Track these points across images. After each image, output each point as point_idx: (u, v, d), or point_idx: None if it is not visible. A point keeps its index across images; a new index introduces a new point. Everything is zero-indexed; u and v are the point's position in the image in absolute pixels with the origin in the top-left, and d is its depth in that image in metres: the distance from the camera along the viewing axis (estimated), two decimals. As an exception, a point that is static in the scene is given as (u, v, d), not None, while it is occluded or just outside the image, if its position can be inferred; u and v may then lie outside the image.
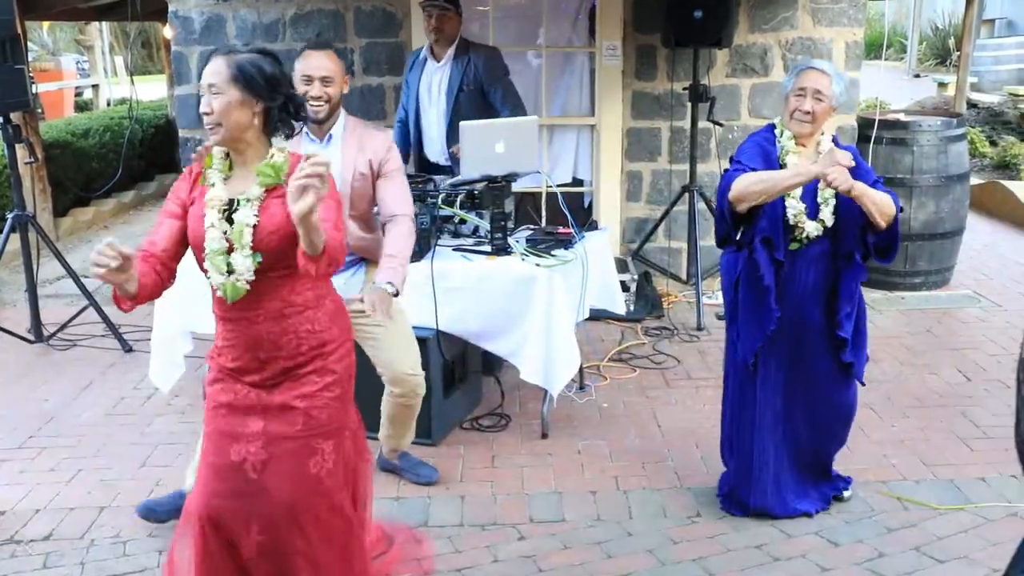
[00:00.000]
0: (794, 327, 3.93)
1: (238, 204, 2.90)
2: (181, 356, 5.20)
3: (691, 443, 4.79)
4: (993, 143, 12.37)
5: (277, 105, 2.94)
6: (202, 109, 2.92)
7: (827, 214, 3.84)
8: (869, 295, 7.12)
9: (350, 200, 4.06)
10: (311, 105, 3.93)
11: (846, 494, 4.19)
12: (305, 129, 4.08)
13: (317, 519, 2.99)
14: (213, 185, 2.96)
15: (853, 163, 3.65)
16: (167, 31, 8.06)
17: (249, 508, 2.95)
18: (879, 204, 3.65)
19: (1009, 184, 9.89)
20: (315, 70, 4.00)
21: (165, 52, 13.63)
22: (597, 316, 5.45)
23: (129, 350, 6.34)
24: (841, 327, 3.90)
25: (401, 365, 4.20)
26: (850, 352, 3.94)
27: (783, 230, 3.86)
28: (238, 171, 2.99)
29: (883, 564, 3.76)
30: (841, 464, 4.54)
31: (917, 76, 21.54)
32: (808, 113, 3.75)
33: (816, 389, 4.01)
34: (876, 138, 7.17)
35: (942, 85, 17.05)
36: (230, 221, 2.88)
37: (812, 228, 3.83)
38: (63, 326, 6.61)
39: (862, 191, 3.63)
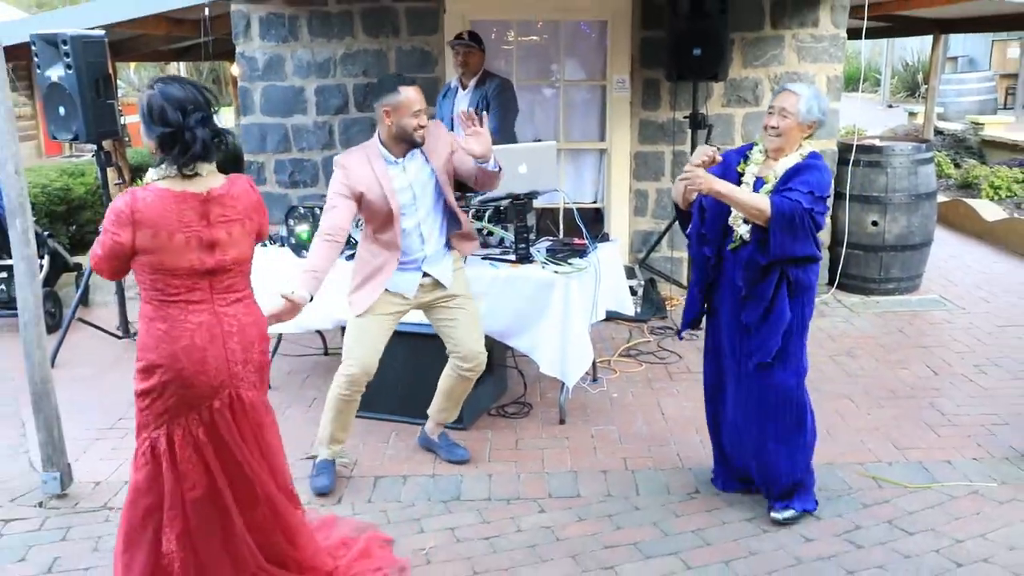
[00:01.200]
0: (734, 320, 3.87)
1: None
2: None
3: (691, 429, 4.77)
4: (957, 165, 12.42)
5: (161, 137, 2.85)
6: None
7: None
8: (848, 299, 7.16)
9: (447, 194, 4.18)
10: (420, 131, 4.02)
11: (778, 515, 3.86)
12: (380, 152, 4.10)
13: None
14: None
15: (717, 159, 3.72)
16: (234, 69, 8.10)
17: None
18: (743, 204, 3.63)
19: (971, 201, 9.87)
20: (421, 103, 4.05)
21: (233, 87, 13.69)
22: (608, 317, 5.43)
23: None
24: (745, 309, 3.78)
25: (475, 343, 4.30)
26: (754, 334, 3.77)
27: (721, 230, 3.85)
28: None
29: (859, 535, 3.75)
30: (823, 449, 4.51)
31: (890, 106, 21.54)
32: (775, 128, 3.70)
33: (743, 380, 3.90)
34: (854, 161, 7.15)
35: (912, 114, 17.05)
36: None
37: (744, 230, 3.77)
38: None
39: (727, 191, 3.64)
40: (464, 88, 5.84)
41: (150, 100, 2.86)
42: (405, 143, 4.06)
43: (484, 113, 5.50)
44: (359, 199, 4.03)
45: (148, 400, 2.93)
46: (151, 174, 2.93)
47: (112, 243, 2.81)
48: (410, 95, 4.00)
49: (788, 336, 3.74)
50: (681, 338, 4.11)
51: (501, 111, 5.82)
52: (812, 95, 3.71)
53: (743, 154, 3.92)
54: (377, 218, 4.08)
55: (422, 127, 4.01)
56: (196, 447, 2.95)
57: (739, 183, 3.80)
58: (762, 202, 3.58)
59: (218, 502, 3.00)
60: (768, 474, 3.87)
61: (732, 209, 3.78)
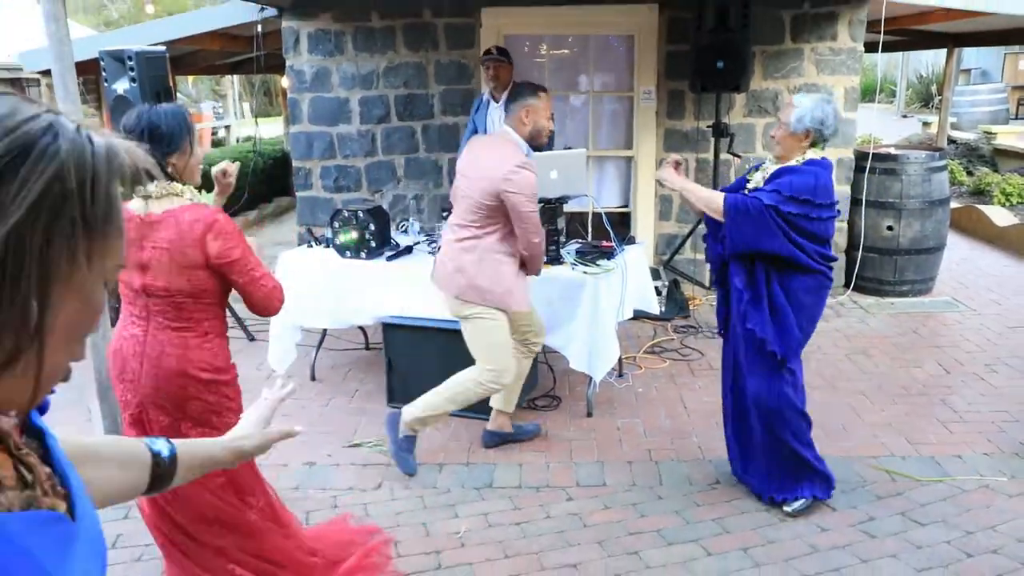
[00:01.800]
0: (732, 319, 3.86)
1: None
2: (293, 344, 5.28)
3: (712, 423, 4.73)
4: (970, 173, 12.26)
5: None
6: None
7: None
8: (863, 300, 7.08)
9: None
10: (549, 134, 4.20)
11: (787, 509, 3.84)
12: (528, 151, 4.18)
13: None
14: None
15: (680, 162, 3.90)
16: (284, 81, 8.14)
17: None
18: (696, 199, 3.73)
19: (983, 208, 9.74)
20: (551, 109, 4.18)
21: (282, 98, 13.78)
22: (634, 315, 5.42)
23: (252, 339, 6.42)
24: (748, 319, 3.72)
25: (540, 318, 4.41)
26: (756, 328, 3.71)
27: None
28: None
29: (873, 526, 3.71)
30: (838, 443, 4.49)
31: (905, 117, 21.29)
32: (773, 137, 3.71)
33: (740, 372, 3.87)
34: (870, 168, 7.07)
35: (926, 124, 16.84)
36: None
37: None
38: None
39: (681, 186, 3.77)
40: (496, 101, 5.83)
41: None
42: (532, 144, 4.11)
43: None
44: None
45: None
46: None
47: None
48: (547, 100, 4.09)
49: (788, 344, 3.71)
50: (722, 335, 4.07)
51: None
52: (810, 106, 3.62)
53: (758, 167, 3.89)
54: None
55: (551, 131, 4.15)
56: None
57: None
58: (713, 198, 3.62)
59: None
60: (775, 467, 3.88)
61: None
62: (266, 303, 2.88)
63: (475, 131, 5.96)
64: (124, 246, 0.93)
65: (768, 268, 3.65)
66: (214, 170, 3.17)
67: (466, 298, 4.04)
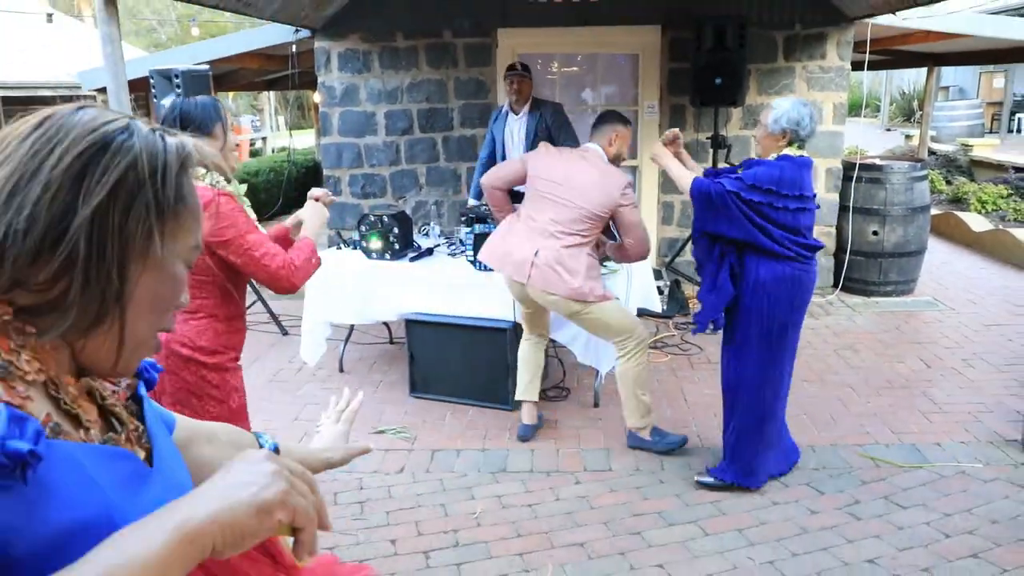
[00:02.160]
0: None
1: None
2: (323, 339, 5.28)
3: (711, 413, 4.71)
4: (948, 182, 12.26)
5: None
6: None
7: None
8: (850, 300, 7.04)
9: None
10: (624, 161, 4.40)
11: (704, 479, 3.90)
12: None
13: None
14: None
15: (671, 138, 3.88)
16: (316, 96, 8.16)
17: None
18: (673, 177, 3.75)
19: (961, 214, 9.68)
20: None
21: (314, 112, 13.83)
22: (638, 313, 5.39)
23: (285, 333, 6.42)
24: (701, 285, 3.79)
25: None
26: (699, 297, 3.78)
27: None
28: None
29: (858, 509, 3.69)
30: (827, 432, 4.47)
31: (888, 130, 21.23)
32: (755, 136, 3.72)
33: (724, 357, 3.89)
34: (857, 177, 7.03)
35: (908, 137, 16.80)
36: None
37: None
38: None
39: (665, 163, 3.80)
40: (516, 113, 5.80)
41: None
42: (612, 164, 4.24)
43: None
44: None
45: None
46: None
47: None
48: (629, 132, 4.34)
49: (747, 328, 3.68)
50: (704, 331, 4.07)
51: (567, 129, 5.78)
52: (787, 108, 3.58)
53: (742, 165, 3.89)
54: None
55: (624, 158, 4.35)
56: None
57: None
58: (684, 178, 3.64)
59: None
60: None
61: None
62: (272, 282, 2.75)
63: (493, 140, 5.93)
64: (199, 229, 0.99)
65: (725, 250, 3.64)
66: (314, 192, 3.08)
67: (580, 298, 4.02)
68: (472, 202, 5.89)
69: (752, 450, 3.81)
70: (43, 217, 0.86)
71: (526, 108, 5.72)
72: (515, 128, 5.79)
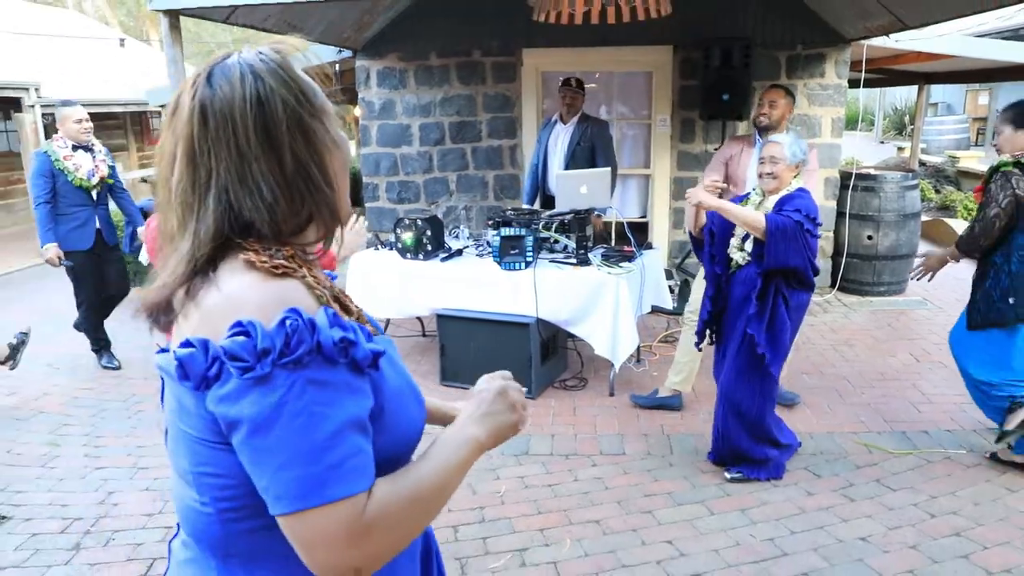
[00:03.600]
0: (729, 326, 3.76)
1: None
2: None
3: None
4: (937, 191, 12.16)
5: None
6: None
7: (748, 246, 3.63)
8: (846, 299, 6.97)
9: None
10: (759, 119, 4.47)
11: (727, 475, 3.81)
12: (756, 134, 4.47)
13: None
14: None
15: (710, 188, 3.71)
16: (356, 110, 8.17)
17: None
18: (741, 218, 3.49)
19: (949, 220, 9.61)
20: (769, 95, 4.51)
21: (354, 124, 13.87)
22: (651, 310, 5.36)
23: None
24: (750, 324, 3.58)
25: None
26: (763, 348, 3.56)
27: (725, 253, 3.75)
28: None
29: (852, 491, 3.66)
30: (824, 420, 4.43)
31: (882, 143, 21.03)
32: (770, 173, 3.57)
33: (729, 376, 3.76)
34: (853, 186, 6.96)
35: (900, 149, 16.63)
36: None
37: (739, 256, 3.66)
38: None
39: (727, 208, 3.53)
40: (565, 123, 5.76)
41: None
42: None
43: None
44: None
45: None
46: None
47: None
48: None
49: (775, 356, 3.61)
50: (699, 349, 4.04)
51: (608, 148, 5.73)
52: (791, 141, 3.59)
53: (742, 198, 3.80)
54: None
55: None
56: None
57: None
58: (756, 218, 3.45)
59: None
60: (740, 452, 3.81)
61: (732, 237, 3.69)
62: None
63: (540, 145, 5.91)
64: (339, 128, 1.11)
65: (779, 284, 3.54)
66: None
67: None
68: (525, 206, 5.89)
69: (776, 450, 3.82)
70: (275, 182, 1.01)
71: (575, 120, 5.68)
72: (561, 136, 5.76)
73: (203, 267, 1.00)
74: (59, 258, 5.13)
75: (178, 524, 1.15)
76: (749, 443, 3.75)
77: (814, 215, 3.46)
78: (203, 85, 1.02)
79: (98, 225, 5.27)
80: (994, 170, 3.74)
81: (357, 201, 12.15)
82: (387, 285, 5.15)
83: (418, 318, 6.08)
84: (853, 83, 6.97)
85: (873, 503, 3.54)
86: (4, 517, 3.53)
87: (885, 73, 9.89)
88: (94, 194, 5.23)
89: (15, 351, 4.86)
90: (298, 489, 0.91)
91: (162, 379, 1.07)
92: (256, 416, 0.91)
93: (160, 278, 1.03)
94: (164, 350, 1.04)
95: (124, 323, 5.65)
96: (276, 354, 0.91)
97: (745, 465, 3.80)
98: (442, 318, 4.99)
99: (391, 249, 5.38)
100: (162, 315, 1.05)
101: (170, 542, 1.21)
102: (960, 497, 3.58)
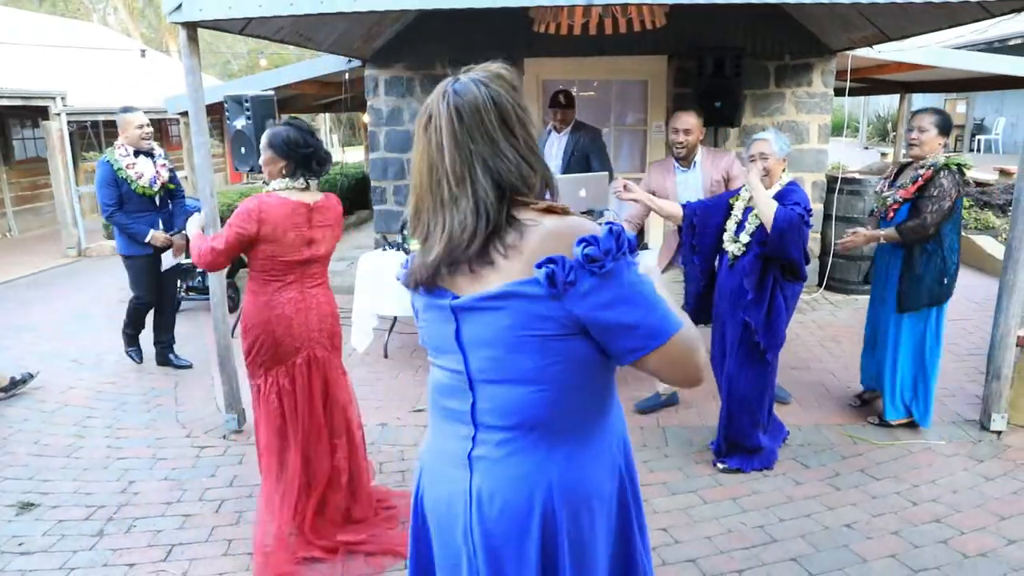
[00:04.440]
0: (721, 316, 3.75)
1: None
2: (371, 328, 5.28)
3: (710, 396, 4.65)
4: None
5: (295, 159, 2.92)
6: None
7: (743, 237, 3.59)
8: (833, 297, 6.95)
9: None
10: (676, 148, 4.35)
11: (719, 466, 3.78)
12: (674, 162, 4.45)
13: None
14: None
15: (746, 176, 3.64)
16: (365, 117, 8.17)
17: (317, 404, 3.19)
18: (760, 199, 3.45)
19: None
20: (680, 123, 4.32)
21: (363, 131, 13.89)
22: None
23: (338, 323, 6.43)
24: (747, 312, 3.56)
25: None
26: (760, 336, 3.57)
27: (711, 246, 3.75)
28: None
29: (838, 480, 3.65)
30: (812, 413, 4.41)
31: (866, 148, 20.99)
32: (763, 169, 3.56)
33: (732, 367, 3.72)
34: (839, 189, 6.94)
35: (884, 154, 16.62)
36: None
37: (733, 248, 3.63)
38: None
39: (755, 189, 3.49)
40: (559, 132, 5.74)
41: (288, 132, 2.93)
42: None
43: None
44: None
45: (251, 355, 3.04)
46: (277, 184, 2.96)
47: (237, 235, 2.86)
48: (676, 118, 4.46)
49: (772, 346, 3.61)
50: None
51: (602, 153, 5.72)
52: (776, 136, 3.59)
53: (734, 194, 3.79)
54: None
55: (677, 143, 4.42)
56: (279, 393, 3.04)
57: (729, 215, 3.69)
58: (772, 205, 3.42)
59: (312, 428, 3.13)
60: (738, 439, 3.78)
61: (721, 231, 3.69)
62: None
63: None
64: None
65: (776, 274, 3.53)
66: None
67: None
68: None
69: (767, 438, 3.81)
70: (516, 150, 1.35)
71: (568, 129, 5.68)
72: (555, 145, 5.76)
73: (496, 219, 1.31)
74: (167, 238, 5.17)
75: (473, 436, 1.40)
76: (749, 429, 3.73)
77: (808, 207, 3.46)
78: (452, 96, 1.39)
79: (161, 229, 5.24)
80: (939, 169, 3.84)
81: (365, 204, 12.15)
82: (394, 284, 5.13)
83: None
84: (839, 91, 6.95)
85: (858, 492, 3.53)
86: (32, 504, 3.54)
87: (869, 82, 9.89)
88: (156, 199, 5.20)
89: (14, 385, 4.86)
90: (661, 326, 1.28)
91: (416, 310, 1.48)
92: (619, 292, 1.25)
93: (437, 240, 1.33)
94: (443, 294, 1.36)
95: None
96: (614, 251, 1.24)
97: (737, 455, 3.79)
98: (447, 315, 4.97)
99: (397, 249, 5.38)
100: (444, 267, 1.33)
101: (469, 455, 1.41)
102: (940, 486, 3.57)
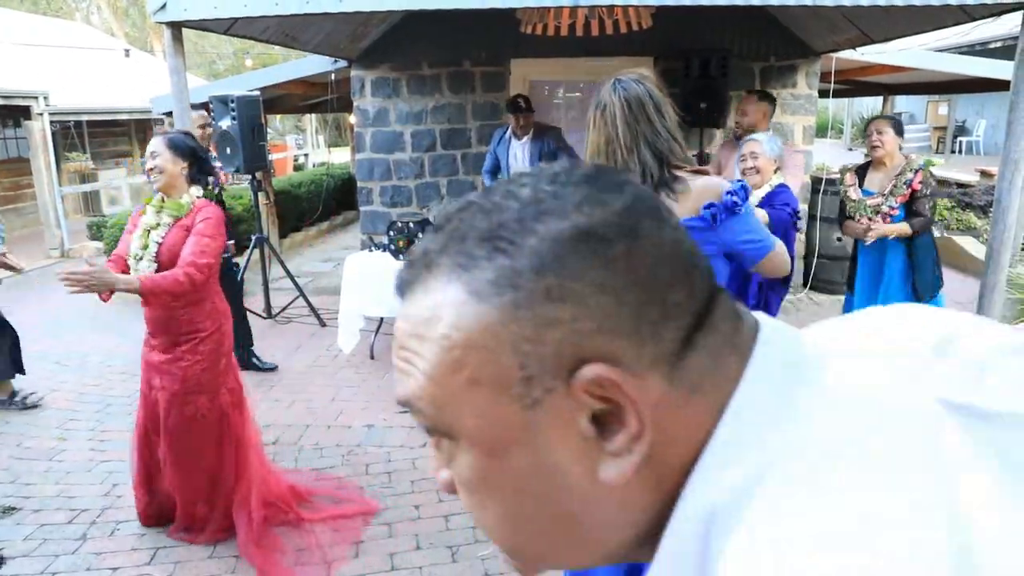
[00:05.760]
0: None
1: (156, 227, 2.91)
2: (357, 329, 5.25)
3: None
4: (902, 195, 12.08)
5: (196, 162, 2.97)
6: (147, 167, 2.93)
7: None
8: (818, 297, 6.98)
9: None
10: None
11: None
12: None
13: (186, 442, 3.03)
14: (145, 213, 2.96)
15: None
16: (352, 118, 8.12)
17: (157, 425, 3.05)
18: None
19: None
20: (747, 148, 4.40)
21: (350, 132, 13.81)
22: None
23: (323, 324, 6.38)
24: None
25: None
26: None
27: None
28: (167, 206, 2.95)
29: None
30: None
31: (850, 150, 21.10)
32: (753, 168, 3.57)
33: None
34: (823, 191, 6.97)
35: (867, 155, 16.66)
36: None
37: None
38: (284, 308, 6.69)
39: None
40: (519, 138, 5.72)
41: (185, 137, 3.00)
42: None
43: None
44: None
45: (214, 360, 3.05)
46: (196, 191, 2.98)
47: (222, 244, 2.91)
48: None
49: None
50: None
51: (571, 150, 5.73)
52: (766, 138, 3.64)
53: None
54: None
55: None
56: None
57: None
58: (760, 211, 3.42)
59: None
60: None
61: None
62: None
63: (496, 157, 5.89)
64: None
65: (763, 282, 3.51)
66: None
67: None
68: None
69: None
70: (668, 129, 1.94)
71: (530, 135, 5.67)
72: (519, 151, 5.74)
73: (660, 176, 1.90)
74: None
75: None
76: None
77: (797, 208, 3.48)
78: (621, 90, 1.95)
79: None
80: (918, 168, 4.10)
81: (351, 205, 12.09)
82: (380, 285, 5.11)
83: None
84: (823, 93, 6.99)
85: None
86: (13, 508, 3.48)
87: (852, 84, 9.95)
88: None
89: (11, 400, 4.71)
90: (768, 242, 1.99)
91: None
92: (745, 223, 1.92)
93: None
94: None
95: (133, 322, 5.59)
96: (743, 199, 1.87)
97: None
98: (434, 316, 4.95)
99: (384, 251, 5.35)
100: None
101: None
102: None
